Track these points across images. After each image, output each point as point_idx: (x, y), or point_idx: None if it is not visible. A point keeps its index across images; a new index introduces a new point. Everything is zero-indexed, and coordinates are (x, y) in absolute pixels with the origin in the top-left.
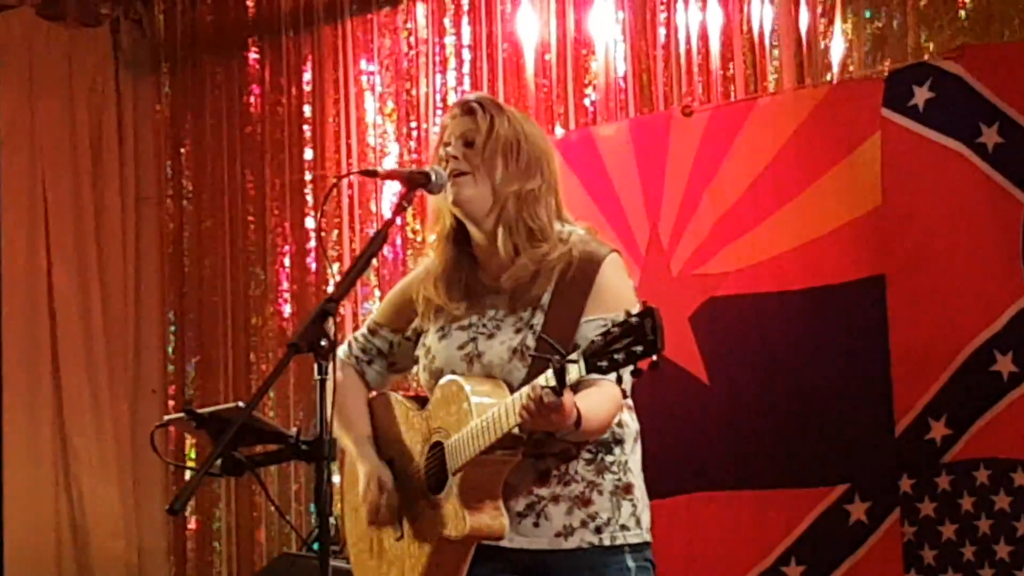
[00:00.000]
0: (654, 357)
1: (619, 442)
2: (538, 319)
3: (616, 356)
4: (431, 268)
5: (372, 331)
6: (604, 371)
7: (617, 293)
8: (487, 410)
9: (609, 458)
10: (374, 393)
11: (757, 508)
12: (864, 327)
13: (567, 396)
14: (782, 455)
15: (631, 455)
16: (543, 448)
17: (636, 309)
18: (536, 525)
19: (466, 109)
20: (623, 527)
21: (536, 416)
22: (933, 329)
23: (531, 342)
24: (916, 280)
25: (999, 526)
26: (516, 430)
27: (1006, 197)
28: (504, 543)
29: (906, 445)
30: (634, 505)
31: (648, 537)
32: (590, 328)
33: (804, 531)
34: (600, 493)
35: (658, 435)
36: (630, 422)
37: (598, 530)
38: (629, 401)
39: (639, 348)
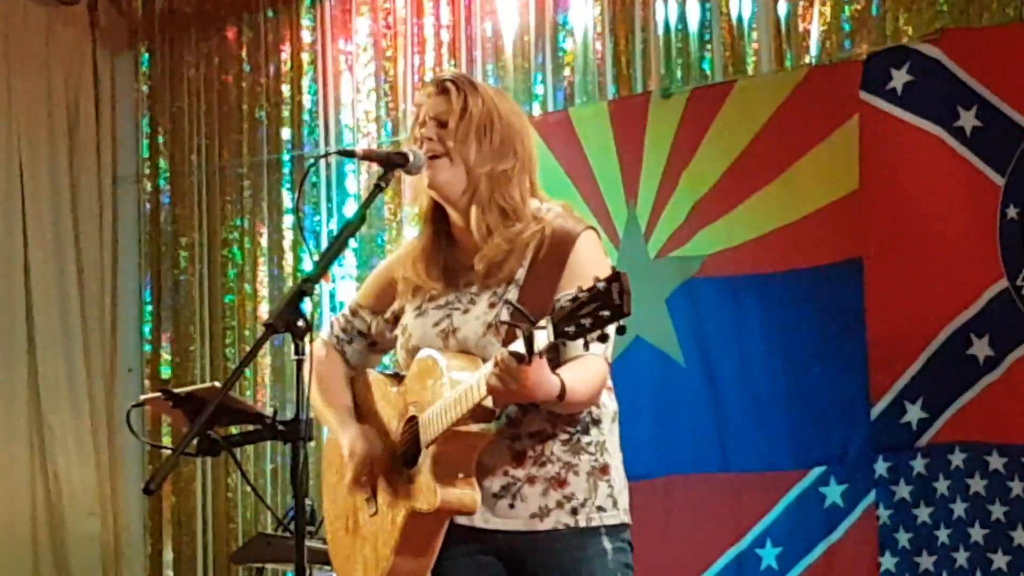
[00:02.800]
0: (622, 322)
1: (596, 422)
2: (512, 294)
3: (584, 322)
4: (411, 248)
5: (353, 311)
6: (572, 337)
7: (592, 269)
8: (460, 383)
9: (586, 439)
10: (355, 372)
11: (733, 490)
12: (841, 310)
13: (536, 364)
14: (758, 438)
15: (609, 435)
16: (519, 427)
17: None
18: (512, 506)
19: (440, 88)
20: (599, 508)
21: (504, 384)
22: (910, 312)
23: (506, 316)
24: (893, 263)
25: (974, 509)
26: (488, 402)
27: (983, 181)
28: (480, 524)
29: (882, 428)
30: (611, 486)
31: (626, 518)
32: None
33: (780, 513)
34: (576, 474)
35: (634, 417)
36: (608, 402)
37: (574, 511)
38: (609, 381)
39: (606, 313)
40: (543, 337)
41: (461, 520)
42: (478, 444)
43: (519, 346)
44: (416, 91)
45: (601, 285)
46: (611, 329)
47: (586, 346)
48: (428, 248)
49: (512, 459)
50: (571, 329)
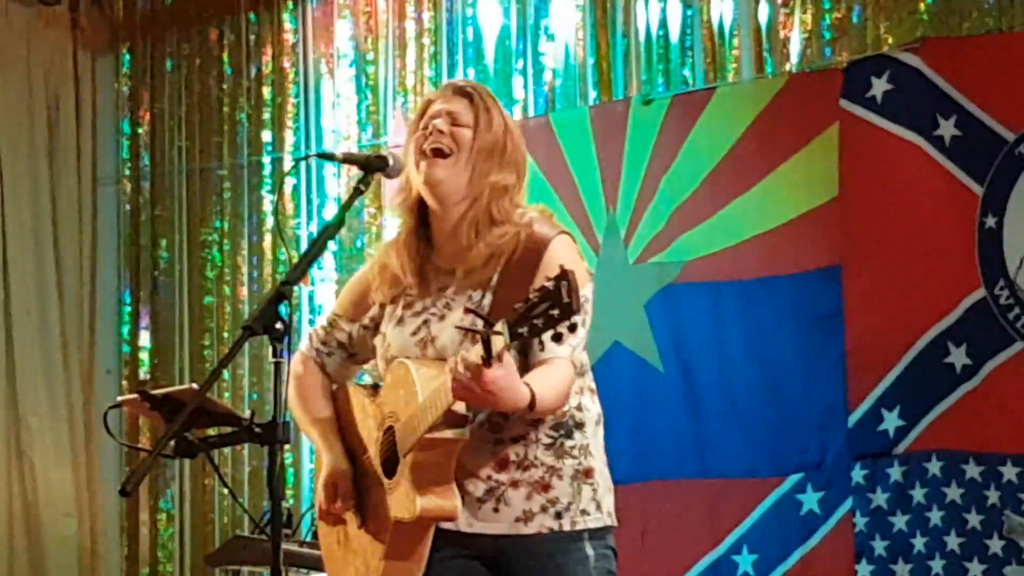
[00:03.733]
0: (573, 320)
1: (580, 426)
2: (487, 300)
3: (536, 322)
4: (394, 239)
5: (331, 323)
6: (526, 337)
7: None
8: (431, 390)
9: (569, 442)
10: (336, 386)
11: (710, 497)
12: (819, 317)
13: (505, 370)
14: (736, 444)
15: (592, 439)
16: (502, 432)
17: (587, 284)
18: (496, 510)
19: (461, 92)
20: (583, 512)
21: (464, 388)
22: (888, 320)
23: (466, 322)
24: (872, 271)
25: (950, 517)
26: (460, 408)
27: (962, 190)
28: (464, 528)
29: (859, 436)
30: (594, 489)
31: (610, 521)
32: None
33: (756, 520)
34: (560, 478)
35: (613, 422)
36: (591, 405)
37: (558, 515)
38: (592, 384)
39: (556, 312)
40: (500, 341)
41: (446, 524)
42: (454, 450)
43: (476, 350)
44: (397, 95)
45: (550, 285)
46: (564, 328)
47: (542, 347)
48: (411, 242)
49: (495, 464)
50: (524, 330)
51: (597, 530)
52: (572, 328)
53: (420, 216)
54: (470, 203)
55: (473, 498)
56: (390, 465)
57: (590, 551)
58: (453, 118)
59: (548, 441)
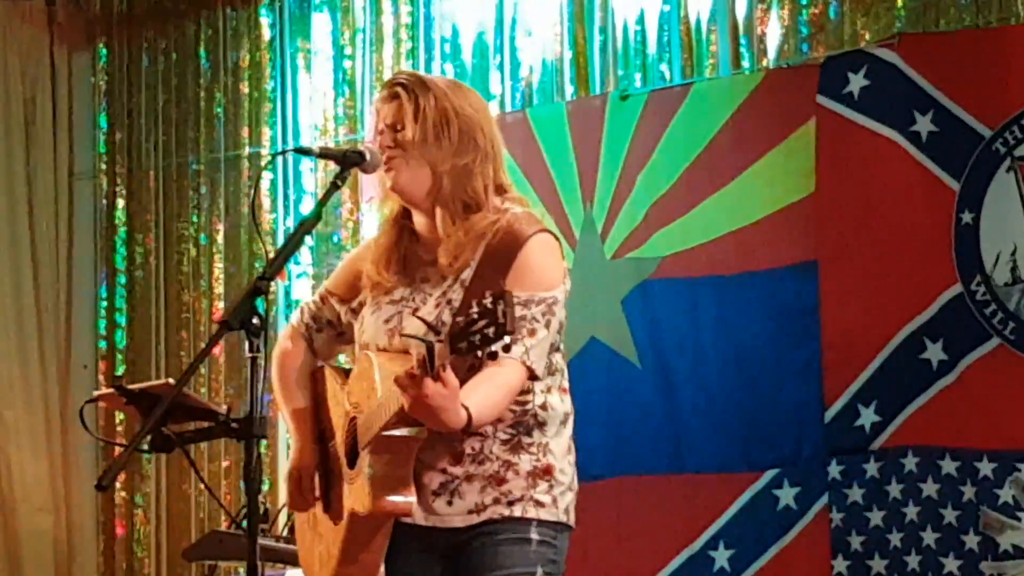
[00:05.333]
0: (506, 340)
1: (541, 424)
2: (457, 295)
3: (473, 339)
4: (374, 246)
5: (323, 298)
6: (464, 353)
7: (539, 273)
8: (387, 388)
9: (527, 439)
10: (319, 363)
11: (686, 492)
12: (796, 313)
13: (447, 389)
14: (712, 440)
15: (555, 438)
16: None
17: (559, 285)
18: (449, 503)
19: (391, 94)
20: (537, 503)
21: (412, 400)
22: (864, 316)
23: (447, 318)
24: (848, 267)
25: (926, 513)
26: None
27: (939, 185)
28: (421, 522)
29: (836, 431)
30: (551, 485)
31: (564, 518)
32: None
33: (733, 516)
34: (516, 473)
35: (589, 418)
36: (558, 404)
37: (510, 504)
38: (564, 383)
39: (492, 331)
40: (443, 353)
41: (405, 519)
42: (410, 447)
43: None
44: (374, 89)
45: (488, 303)
46: (499, 347)
47: (492, 356)
48: (389, 247)
49: (450, 457)
50: (463, 346)
51: (549, 522)
52: (507, 349)
53: (403, 221)
54: (436, 193)
55: (428, 491)
56: (352, 456)
57: (534, 535)
58: (394, 126)
59: (505, 437)
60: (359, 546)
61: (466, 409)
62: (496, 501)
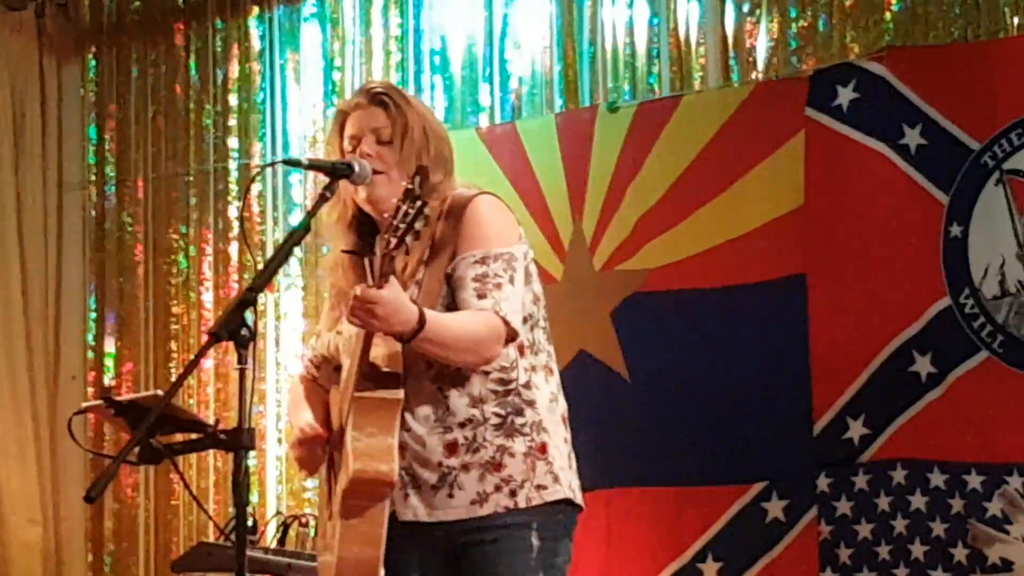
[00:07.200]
0: (425, 211)
1: (530, 403)
2: (421, 273)
3: (399, 225)
4: (338, 257)
5: (317, 335)
6: (397, 245)
7: (488, 229)
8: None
9: (519, 420)
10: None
11: (675, 504)
12: (784, 326)
13: (389, 289)
14: (701, 452)
15: (548, 415)
16: (448, 420)
17: (514, 243)
18: (450, 496)
19: (375, 100)
20: (539, 487)
21: (355, 309)
22: (853, 329)
23: (415, 294)
24: (837, 280)
25: (915, 526)
26: (384, 362)
27: (927, 199)
28: (424, 518)
29: (824, 444)
30: (550, 463)
31: (570, 494)
32: (462, 265)
33: (721, 528)
34: (512, 455)
35: (577, 430)
36: (543, 384)
37: (512, 493)
38: (549, 364)
39: (413, 208)
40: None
41: (406, 516)
42: (389, 411)
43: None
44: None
45: (406, 183)
46: (420, 224)
47: (465, 301)
48: (355, 259)
49: (444, 449)
50: (392, 238)
51: (552, 507)
52: (497, 286)
53: (360, 227)
54: None
55: (428, 486)
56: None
57: (535, 541)
58: (377, 135)
59: (497, 421)
60: (355, 528)
61: (417, 306)
62: (498, 489)
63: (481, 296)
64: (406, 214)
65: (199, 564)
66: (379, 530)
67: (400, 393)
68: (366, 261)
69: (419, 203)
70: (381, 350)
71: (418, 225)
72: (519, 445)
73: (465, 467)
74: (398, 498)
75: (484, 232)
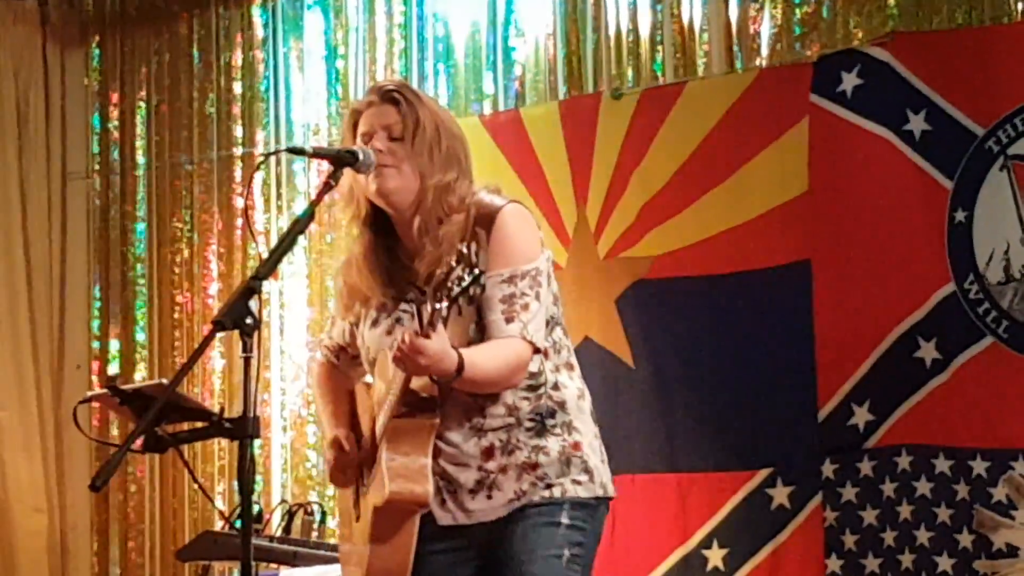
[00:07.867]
0: (482, 281)
1: (561, 404)
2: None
3: (452, 287)
4: (354, 256)
5: (332, 323)
6: (448, 302)
7: (516, 245)
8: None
9: (551, 422)
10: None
11: (680, 491)
12: (789, 312)
13: (436, 337)
14: (706, 439)
15: (577, 415)
16: (483, 425)
17: (538, 255)
18: (489, 497)
19: (386, 98)
20: (575, 481)
21: (401, 355)
22: (858, 315)
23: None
24: (842, 266)
25: (920, 512)
26: (420, 388)
27: (932, 184)
28: (463, 521)
29: (829, 430)
30: (584, 460)
31: (601, 492)
32: (490, 284)
33: (727, 515)
34: (547, 455)
35: None
36: (568, 382)
37: (548, 486)
38: (570, 359)
39: (468, 277)
40: (428, 310)
41: (444, 520)
42: (425, 434)
43: (414, 325)
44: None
45: (463, 248)
46: (477, 288)
47: (495, 326)
48: (371, 255)
49: (482, 454)
50: (442, 296)
51: (584, 501)
52: (524, 307)
53: (377, 225)
54: (417, 206)
55: (465, 490)
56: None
57: (565, 519)
58: (388, 132)
59: (530, 424)
60: (385, 542)
61: (456, 352)
62: (534, 485)
63: (509, 320)
64: (460, 279)
65: (204, 552)
66: (406, 555)
67: (436, 419)
68: (413, 307)
69: (476, 272)
70: (419, 380)
71: (472, 291)
72: (553, 444)
73: (503, 469)
74: (434, 504)
75: (510, 249)
